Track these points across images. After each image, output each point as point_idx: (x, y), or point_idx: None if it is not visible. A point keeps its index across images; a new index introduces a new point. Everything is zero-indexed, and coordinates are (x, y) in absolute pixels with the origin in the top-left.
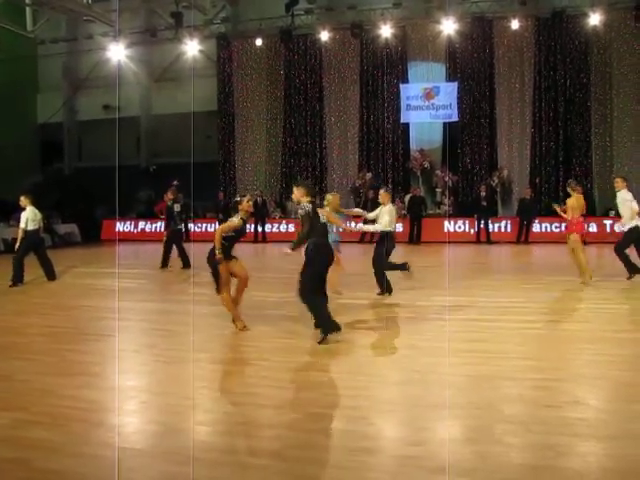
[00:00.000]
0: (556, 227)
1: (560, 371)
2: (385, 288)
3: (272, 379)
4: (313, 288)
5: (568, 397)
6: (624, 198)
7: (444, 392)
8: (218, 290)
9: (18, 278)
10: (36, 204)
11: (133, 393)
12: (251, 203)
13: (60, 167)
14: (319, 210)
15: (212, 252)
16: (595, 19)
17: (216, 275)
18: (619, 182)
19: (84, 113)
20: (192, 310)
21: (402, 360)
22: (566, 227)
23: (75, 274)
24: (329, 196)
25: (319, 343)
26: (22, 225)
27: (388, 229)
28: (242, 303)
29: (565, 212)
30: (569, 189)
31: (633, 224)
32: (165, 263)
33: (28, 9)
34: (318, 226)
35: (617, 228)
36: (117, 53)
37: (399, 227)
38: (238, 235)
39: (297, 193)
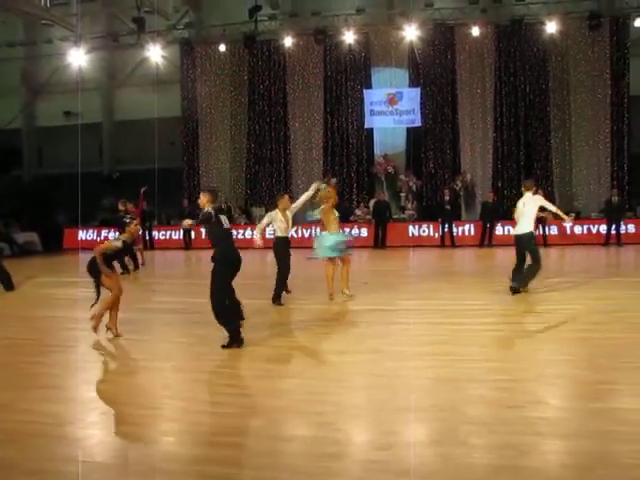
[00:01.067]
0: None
1: (522, 372)
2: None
3: (237, 387)
4: (223, 295)
5: (530, 397)
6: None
7: (409, 395)
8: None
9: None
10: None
11: (95, 404)
12: (139, 227)
13: (19, 174)
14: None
15: (92, 263)
16: (552, 27)
17: (98, 285)
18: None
19: (44, 119)
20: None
21: (367, 364)
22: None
23: (35, 284)
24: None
25: (223, 347)
26: None
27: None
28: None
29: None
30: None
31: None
32: (135, 266)
33: None
34: (222, 232)
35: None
36: (78, 58)
37: (364, 232)
38: (118, 254)
39: (203, 199)
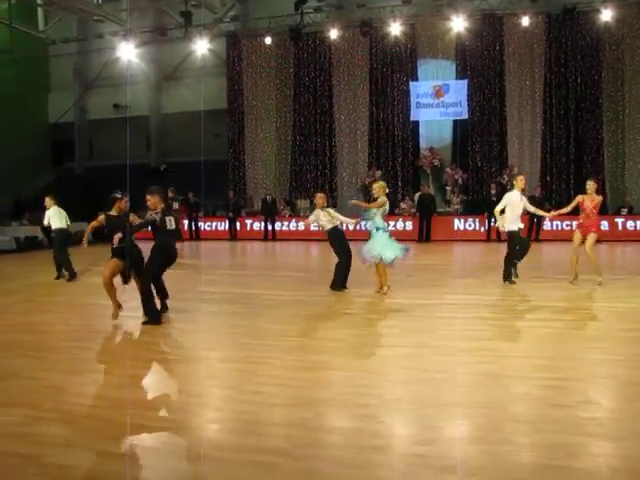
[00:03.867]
0: (567, 225)
1: (570, 370)
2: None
3: (282, 378)
4: (153, 280)
5: (578, 396)
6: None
7: (454, 391)
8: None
9: (71, 274)
10: (60, 204)
11: (142, 390)
12: (128, 204)
13: (71, 166)
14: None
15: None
16: (607, 15)
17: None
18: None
19: (94, 112)
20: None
21: (412, 359)
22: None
23: (85, 272)
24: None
25: (143, 324)
26: (45, 223)
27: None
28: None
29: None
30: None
31: (514, 227)
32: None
33: (40, 10)
34: (165, 231)
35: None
36: (127, 52)
37: (409, 225)
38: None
39: (152, 200)
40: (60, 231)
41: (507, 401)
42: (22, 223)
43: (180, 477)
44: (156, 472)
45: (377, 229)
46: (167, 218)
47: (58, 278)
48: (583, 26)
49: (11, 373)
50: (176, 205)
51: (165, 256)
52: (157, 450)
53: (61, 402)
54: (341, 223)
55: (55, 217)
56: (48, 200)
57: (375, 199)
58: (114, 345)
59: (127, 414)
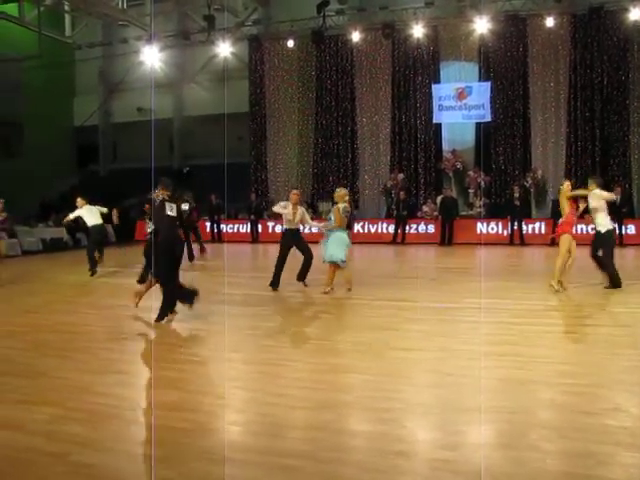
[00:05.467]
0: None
1: (597, 376)
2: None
3: (305, 380)
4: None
5: (606, 404)
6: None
7: (477, 396)
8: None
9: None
10: (91, 203)
11: (166, 392)
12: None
13: (95, 169)
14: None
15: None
16: (636, 14)
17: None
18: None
19: (118, 116)
20: (225, 310)
21: (435, 362)
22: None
23: (108, 273)
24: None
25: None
26: (70, 217)
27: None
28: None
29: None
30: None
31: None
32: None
33: (67, 16)
34: (164, 216)
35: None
36: (151, 56)
37: (431, 228)
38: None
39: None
40: (94, 227)
41: (532, 407)
42: (48, 224)
43: (202, 479)
44: (179, 473)
45: (331, 232)
46: (167, 204)
47: (92, 274)
48: (610, 26)
49: (38, 372)
50: (186, 205)
51: (168, 253)
52: (180, 451)
53: (86, 402)
54: (303, 227)
55: (88, 215)
56: (80, 200)
57: (335, 203)
58: (138, 346)
59: (150, 415)
